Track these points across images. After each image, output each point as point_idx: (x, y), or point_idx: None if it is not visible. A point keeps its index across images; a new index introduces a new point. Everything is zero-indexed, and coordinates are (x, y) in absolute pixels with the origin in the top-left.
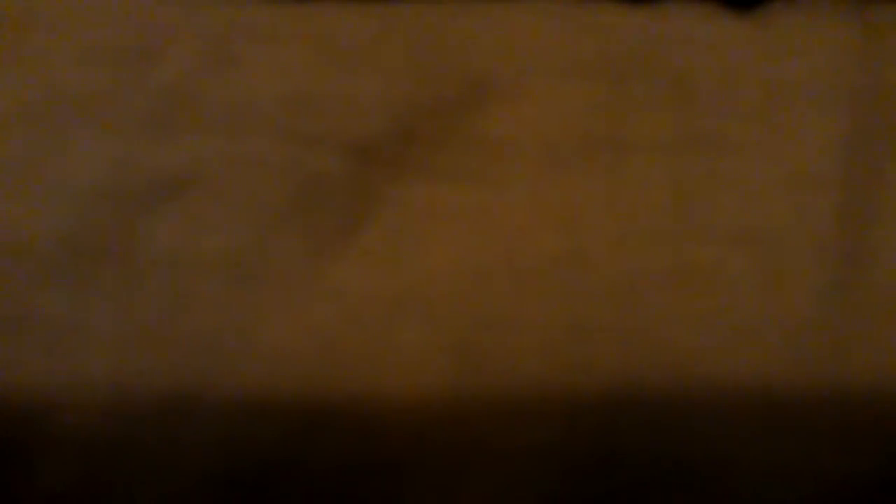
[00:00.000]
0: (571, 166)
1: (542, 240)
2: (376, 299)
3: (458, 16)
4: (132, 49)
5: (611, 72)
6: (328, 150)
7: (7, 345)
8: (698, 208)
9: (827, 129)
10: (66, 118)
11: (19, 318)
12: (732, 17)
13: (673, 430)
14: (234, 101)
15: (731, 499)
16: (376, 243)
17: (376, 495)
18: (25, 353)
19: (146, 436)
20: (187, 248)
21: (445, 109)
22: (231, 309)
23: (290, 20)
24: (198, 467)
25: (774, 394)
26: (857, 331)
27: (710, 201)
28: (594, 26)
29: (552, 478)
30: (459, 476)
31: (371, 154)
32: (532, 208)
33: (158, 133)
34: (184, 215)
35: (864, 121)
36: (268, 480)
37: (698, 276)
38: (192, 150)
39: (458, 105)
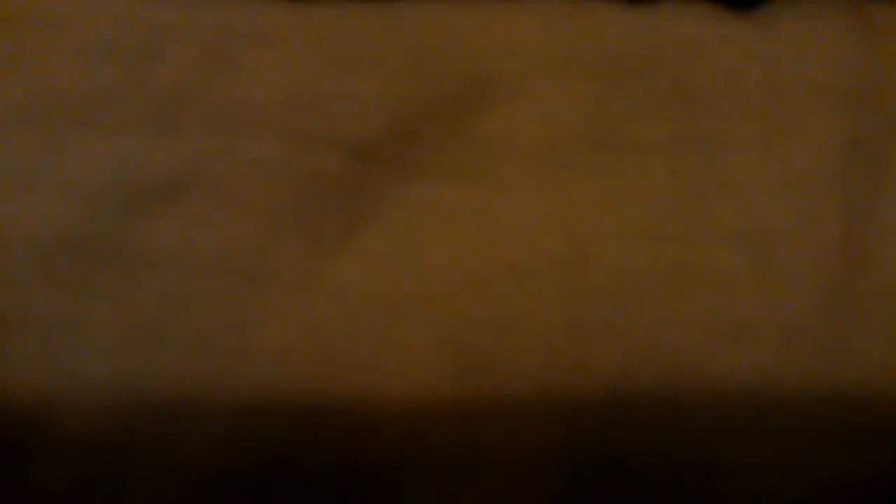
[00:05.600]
0: (571, 166)
1: (541, 240)
2: (376, 299)
3: (458, 16)
4: (132, 49)
5: (611, 72)
6: (328, 150)
7: (6, 345)
8: (698, 208)
9: (827, 130)
10: (65, 118)
11: (18, 318)
12: (732, 17)
13: (672, 431)
14: (234, 101)
15: (731, 499)
16: (376, 243)
17: (376, 495)
18: (24, 353)
19: (146, 436)
20: (187, 248)
21: (445, 109)
22: (231, 308)
23: (290, 20)
24: (197, 467)
25: (774, 394)
26: (856, 331)
27: (710, 201)
28: (594, 27)
29: (552, 478)
30: (459, 476)
31: (371, 154)
32: (532, 208)
33: (158, 133)
34: (183, 215)
35: (864, 121)
36: (267, 480)
37: (698, 276)
38: (191, 150)
39: (458, 105)
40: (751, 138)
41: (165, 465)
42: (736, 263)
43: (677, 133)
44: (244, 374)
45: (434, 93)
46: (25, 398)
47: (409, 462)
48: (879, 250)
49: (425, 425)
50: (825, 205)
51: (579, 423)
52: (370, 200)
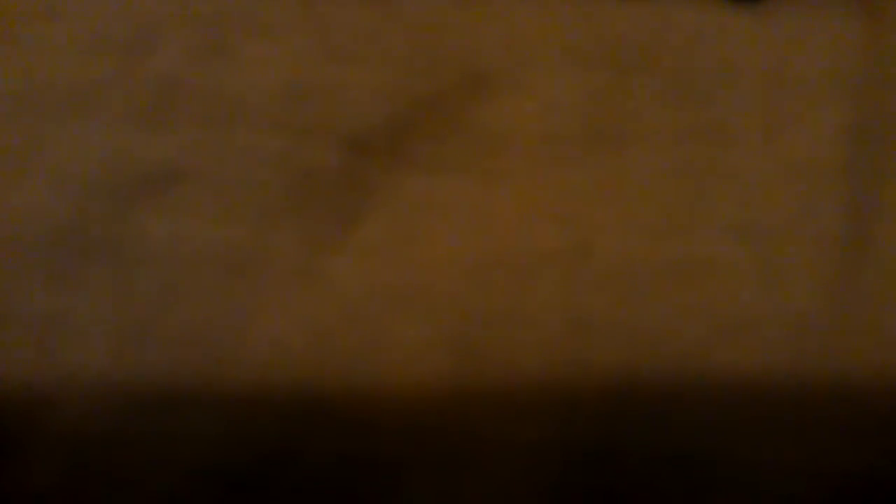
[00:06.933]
0: (571, 159)
1: (541, 233)
2: (373, 293)
3: (458, 7)
4: (126, 40)
5: (611, 63)
6: (325, 142)
7: None
8: (700, 201)
9: (830, 122)
10: (58, 109)
11: (11, 312)
12: (734, 8)
13: (673, 425)
14: (229, 92)
15: (732, 493)
16: (373, 236)
17: (374, 490)
18: (17, 347)
19: (140, 430)
20: (181, 241)
21: (444, 101)
22: (226, 302)
23: (287, 10)
24: (192, 462)
25: (776, 388)
26: (859, 324)
27: (712, 194)
28: (594, 18)
29: (551, 472)
30: (457, 471)
31: (368, 146)
32: (531, 201)
33: (152, 124)
34: (177, 207)
35: (866, 113)
36: (263, 474)
37: (700, 268)
38: (186, 141)
39: (458, 97)
40: (753, 129)
41: (160, 459)
42: (738, 256)
43: (678, 125)
44: (240, 368)
45: (433, 85)
46: (18, 393)
47: (407, 456)
48: (882, 242)
49: (423, 419)
50: (828, 196)
51: (579, 416)
52: (368, 193)
